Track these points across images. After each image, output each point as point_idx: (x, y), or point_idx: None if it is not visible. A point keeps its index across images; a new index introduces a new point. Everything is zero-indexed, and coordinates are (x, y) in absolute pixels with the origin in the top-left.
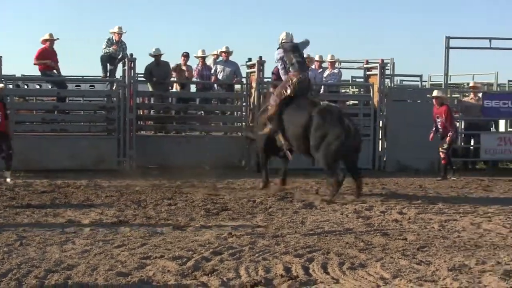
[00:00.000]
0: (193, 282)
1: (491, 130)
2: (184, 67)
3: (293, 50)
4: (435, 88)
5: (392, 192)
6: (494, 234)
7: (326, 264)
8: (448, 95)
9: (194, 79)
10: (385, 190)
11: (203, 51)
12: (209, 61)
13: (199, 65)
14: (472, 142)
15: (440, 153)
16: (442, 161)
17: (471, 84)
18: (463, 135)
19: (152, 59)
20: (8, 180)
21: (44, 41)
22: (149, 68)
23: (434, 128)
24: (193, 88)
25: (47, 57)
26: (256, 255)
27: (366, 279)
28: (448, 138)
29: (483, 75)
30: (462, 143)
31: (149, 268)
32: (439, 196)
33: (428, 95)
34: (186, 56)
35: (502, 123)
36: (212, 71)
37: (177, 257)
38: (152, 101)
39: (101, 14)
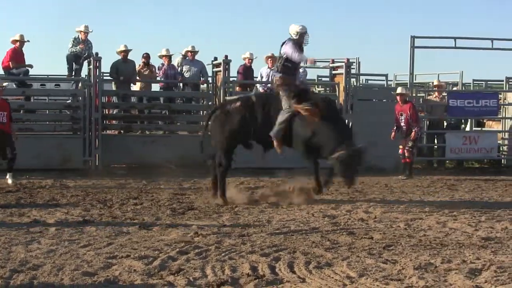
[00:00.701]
0: (160, 282)
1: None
2: (145, 71)
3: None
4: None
5: (358, 191)
6: (460, 232)
7: (293, 263)
8: (414, 94)
9: (158, 78)
10: (351, 189)
11: (167, 50)
12: (175, 61)
13: (165, 64)
14: (436, 141)
15: (405, 152)
16: (407, 160)
17: (435, 83)
18: (424, 135)
19: (119, 57)
20: (9, 181)
21: (14, 41)
22: (116, 65)
23: (395, 127)
24: (156, 87)
25: (17, 58)
26: (223, 254)
27: (333, 278)
28: (413, 134)
29: (448, 74)
30: (425, 142)
31: (115, 268)
32: (405, 195)
33: (392, 92)
34: (146, 57)
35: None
36: (178, 70)
37: (143, 256)
38: (117, 100)
39: (67, 13)
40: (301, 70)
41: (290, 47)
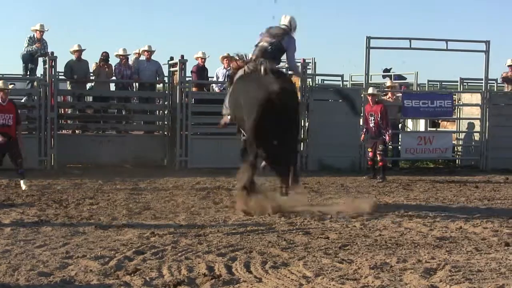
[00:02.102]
0: (116, 282)
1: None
2: (104, 69)
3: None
4: (357, 88)
5: (314, 191)
6: (415, 232)
7: (249, 263)
8: None
9: (113, 78)
10: (307, 189)
11: (124, 49)
12: (131, 60)
13: (121, 64)
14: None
15: (378, 155)
16: (380, 163)
17: (388, 84)
18: None
19: (73, 56)
20: (23, 187)
21: None
22: (70, 64)
23: (364, 129)
24: (112, 87)
25: None
26: (179, 254)
27: (289, 277)
28: (387, 138)
29: (404, 75)
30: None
31: (71, 268)
32: (361, 195)
33: (364, 93)
34: (105, 56)
35: (422, 123)
36: (134, 70)
37: (99, 256)
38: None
39: (21, 12)
40: None
41: None
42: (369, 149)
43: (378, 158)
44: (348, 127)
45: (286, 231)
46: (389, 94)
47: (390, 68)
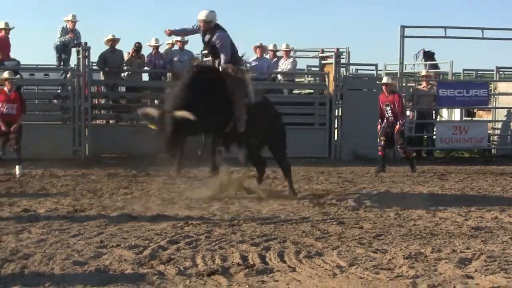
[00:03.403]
0: (150, 271)
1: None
2: (135, 60)
3: None
4: (392, 77)
5: (348, 181)
6: (450, 222)
7: (283, 253)
8: (404, 84)
9: (146, 68)
10: (341, 179)
11: (157, 39)
12: (163, 51)
13: (152, 54)
14: (426, 132)
15: (399, 149)
16: (406, 155)
17: (423, 73)
18: (413, 125)
19: (107, 47)
20: (17, 172)
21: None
22: (104, 55)
23: (380, 120)
24: (146, 77)
25: (4, 47)
26: (213, 243)
27: (323, 267)
28: (397, 127)
29: (438, 64)
30: (414, 132)
31: (106, 257)
32: (395, 184)
33: (377, 82)
34: (138, 47)
35: (457, 112)
36: (167, 60)
37: (133, 246)
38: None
39: (54, 2)
40: (290, 60)
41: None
42: (382, 138)
43: (401, 152)
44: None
45: (320, 221)
46: (424, 83)
47: (433, 53)
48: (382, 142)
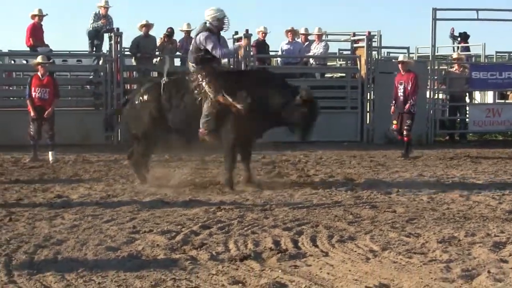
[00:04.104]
0: (182, 256)
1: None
2: (167, 45)
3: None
4: (423, 60)
5: (380, 165)
6: (483, 205)
7: (315, 237)
8: (436, 67)
9: (178, 53)
10: (374, 163)
11: (188, 24)
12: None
13: (184, 39)
14: (458, 114)
15: (404, 130)
16: (405, 138)
17: (454, 56)
18: (447, 108)
19: (140, 32)
20: (50, 158)
21: (33, 16)
22: (137, 40)
23: (393, 101)
24: (178, 62)
25: (37, 34)
26: (245, 228)
27: (355, 251)
28: (407, 106)
29: (470, 46)
30: (447, 115)
31: (138, 243)
32: (428, 168)
33: (393, 61)
34: (170, 32)
35: (490, 95)
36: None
37: (166, 231)
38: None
39: None
40: (322, 43)
41: (211, 42)
42: (394, 122)
43: (404, 133)
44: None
45: (353, 205)
46: (456, 66)
47: (467, 35)
48: (394, 126)
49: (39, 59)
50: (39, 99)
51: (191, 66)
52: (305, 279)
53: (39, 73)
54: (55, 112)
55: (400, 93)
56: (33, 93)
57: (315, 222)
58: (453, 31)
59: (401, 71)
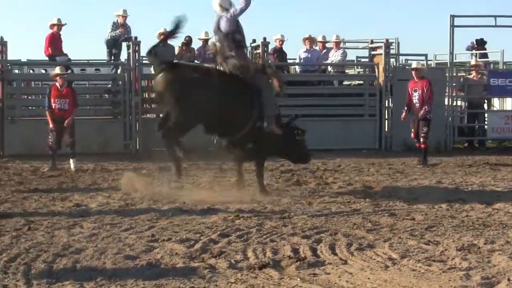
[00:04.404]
0: (201, 265)
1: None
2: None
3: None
4: (442, 67)
5: (399, 172)
6: (503, 213)
7: (334, 245)
8: (454, 74)
9: (196, 62)
10: (392, 170)
11: (206, 33)
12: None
13: (203, 47)
14: (477, 121)
15: (421, 138)
16: (422, 145)
17: (472, 63)
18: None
19: (157, 40)
20: (72, 167)
21: (52, 25)
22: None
23: (406, 107)
24: None
25: (56, 43)
26: (264, 236)
27: (374, 259)
28: (421, 112)
29: (488, 53)
30: (466, 122)
31: (157, 251)
32: (447, 175)
33: (407, 67)
34: (188, 40)
35: (509, 102)
36: None
37: (184, 239)
38: None
39: None
40: (340, 51)
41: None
42: (413, 130)
43: (421, 140)
44: (433, 106)
45: (371, 213)
46: (474, 73)
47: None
48: (412, 135)
49: (57, 70)
50: (58, 110)
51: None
52: (324, 287)
53: (57, 84)
54: (74, 120)
55: (415, 100)
56: (53, 104)
57: (333, 230)
58: (474, 45)
59: (415, 78)
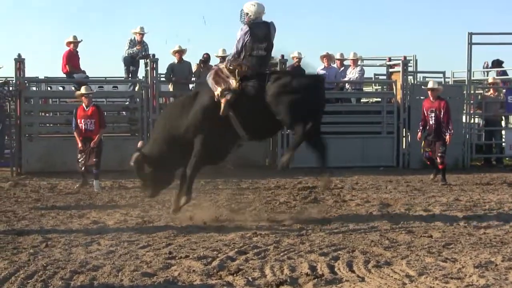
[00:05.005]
0: (219, 282)
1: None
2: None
3: (262, 38)
4: (459, 85)
5: (416, 189)
6: None
7: (352, 263)
8: (472, 91)
9: None
10: (410, 188)
11: (224, 50)
12: None
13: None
14: (494, 139)
15: (438, 158)
16: (440, 166)
17: (490, 80)
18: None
19: (174, 58)
20: (95, 189)
21: (69, 43)
22: (171, 66)
23: (421, 127)
24: None
25: (73, 60)
26: (281, 254)
27: (392, 277)
28: (448, 138)
29: (507, 71)
30: (483, 140)
31: (175, 268)
32: (464, 193)
33: (423, 87)
34: (206, 57)
35: None
36: None
37: (202, 257)
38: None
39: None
40: (358, 68)
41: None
42: (427, 149)
43: (439, 161)
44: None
45: (389, 230)
46: (491, 91)
47: (500, 61)
48: (427, 154)
49: (82, 90)
50: (85, 131)
51: None
52: None
53: (83, 104)
54: (102, 140)
55: (432, 121)
56: (80, 124)
57: (351, 247)
58: (487, 65)
59: (431, 98)
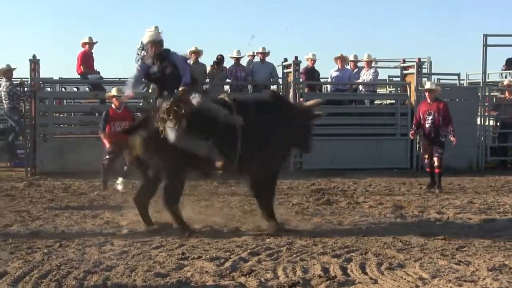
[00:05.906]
0: (231, 283)
1: None
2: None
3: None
4: (474, 87)
5: (430, 192)
6: None
7: (364, 265)
8: (487, 94)
9: (227, 80)
10: (423, 190)
11: (238, 51)
12: (245, 62)
13: (235, 66)
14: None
15: (435, 160)
16: (436, 170)
17: (505, 83)
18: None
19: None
20: (119, 187)
21: (84, 44)
22: None
23: (414, 127)
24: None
25: (88, 61)
26: (294, 255)
27: (405, 279)
28: (452, 138)
29: None
30: (497, 142)
31: (187, 269)
32: (478, 195)
33: (419, 88)
34: (220, 59)
35: None
36: (248, 71)
37: (215, 257)
38: None
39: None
40: (372, 70)
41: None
42: (426, 156)
43: (436, 164)
44: (465, 126)
45: (402, 232)
46: (507, 93)
47: None
48: (426, 161)
49: (113, 91)
50: (118, 133)
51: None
52: None
53: (113, 106)
54: None
55: (429, 124)
56: (112, 127)
57: (364, 249)
58: (505, 68)
59: (428, 99)
